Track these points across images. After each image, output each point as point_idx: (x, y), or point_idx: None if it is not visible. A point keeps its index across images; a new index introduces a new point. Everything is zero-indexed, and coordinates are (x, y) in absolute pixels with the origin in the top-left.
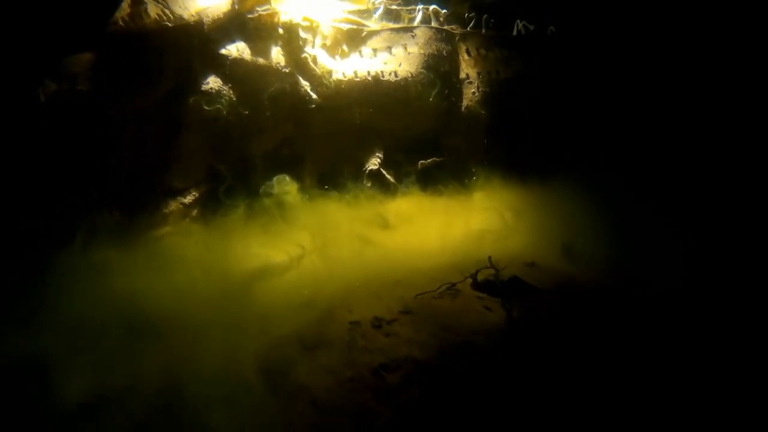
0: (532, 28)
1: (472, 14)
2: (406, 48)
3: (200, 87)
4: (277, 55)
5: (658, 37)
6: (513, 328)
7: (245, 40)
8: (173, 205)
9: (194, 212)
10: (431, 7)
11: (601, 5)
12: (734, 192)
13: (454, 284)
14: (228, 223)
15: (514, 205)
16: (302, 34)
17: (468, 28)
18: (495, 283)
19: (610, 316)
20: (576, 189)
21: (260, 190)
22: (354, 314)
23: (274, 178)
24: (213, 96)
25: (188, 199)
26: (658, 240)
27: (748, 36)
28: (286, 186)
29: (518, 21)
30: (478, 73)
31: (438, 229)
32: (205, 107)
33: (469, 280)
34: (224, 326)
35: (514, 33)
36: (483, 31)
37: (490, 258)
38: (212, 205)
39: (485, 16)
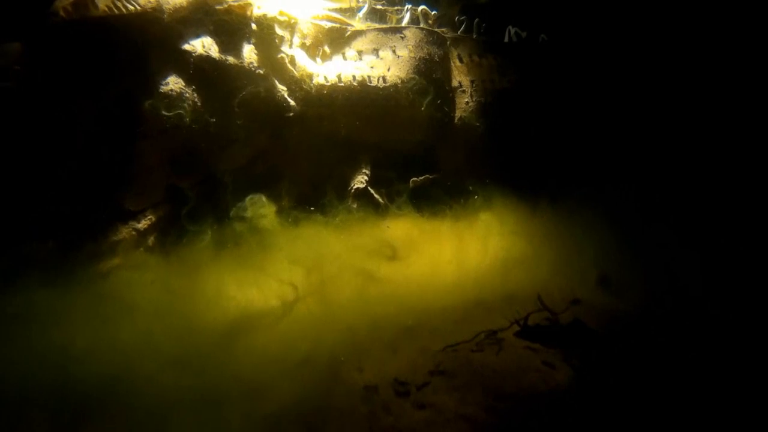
0: (524, 35)
1: (463, 17)
2: (395, 51)
3: (158, 88)
4: (249, 53)
5: (654, 49)
6: (591, 394)
7: (212, 35)
8: (124, 232)
9: (150, 240)
10: (420, 8)
11: (595, 13)
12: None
13: (494, 332)
14: (193, 254)
15: (527, 229)
16: (278, 30)
17: (459, 32)
18: (551, 329)
19: (701, 365)
20: (588, 209)
21: (231, 213)
22: (366, 374)
23: (247, 199)
24: (173, 99)
25: (143, 224)
26: (684, 259)
27: (752, 44)
28: (261, 208)
29: (510, 27)
30: (472, 81)
31: (449, 258)
32: (164, 113)
33: (514, 327)
34: (196, 401)
35: (506, 39)
36: (474, 36)
37: (540, 297)
38: (173, 231)
39: (477, 20)
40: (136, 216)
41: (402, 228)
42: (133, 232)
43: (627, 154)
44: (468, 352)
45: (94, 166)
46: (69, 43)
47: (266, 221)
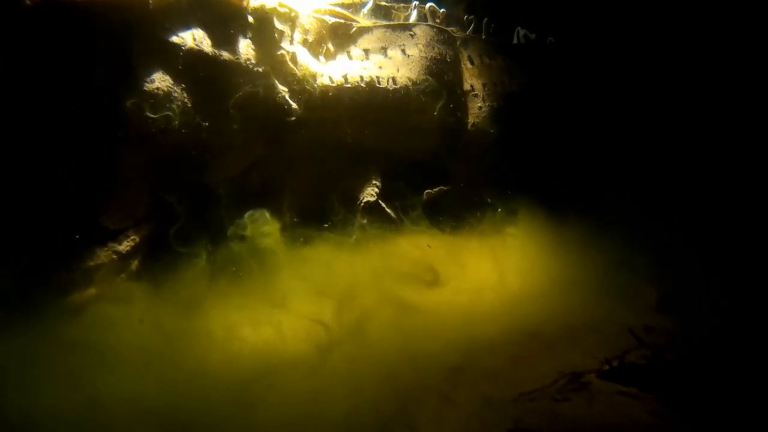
0: (533, 36)
1: (471, 17)
2: (404, 50)
3: (142, 86)
4: (246, 49)
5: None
6: None
7: (204, 27)
8: (102, 255)
9: (134, 265)
10: (428, 5)
11: (604, 14)
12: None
13: (579, 374)
14: (189, 283)
15: (564, 246)
16: (278, 24)
17: (468, 32)
18: (645, 368)
19: None
20: (619, 221)
21: (228, 232)
22: None
23: (246, 215)
24: (160, 99)
25: (125, 246)
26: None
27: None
28: (264, 225)
29: (518, 29)
30: (484, 85)
31: (487, 281)
32: (149, 114)
33: (579, 362)
34: None
35: (514, 41)
36: (483, 36)
37: (632, 331)
38: (160, 254)
39: (486, 19)
40: (116, 236)
41: (423, 246)
42: (113, 256)
43: (642, 159)
44: (550, 401)
45: (65, 178)
46: (36, 31)
47: (270, 241)
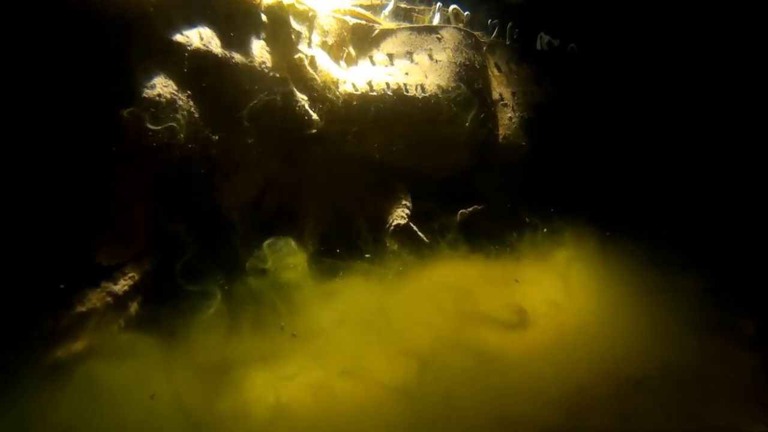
0: (557, 43)
1: (495, 21)
2: (431, 55)
3: (141, 92)
4: (260, 51)
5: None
6: None
7: (212, 25)
8: (94, 298)
9: (133, 309)
10: (451, 7)
11: (634, 22)
12: None
13: None
14: (201, 332)
15: (630, 273)
16: (295, 24)
17: (492, 37)
18: None
19: None
20: (687, 247)
21: (246, 265)
22: None
23: (265, 244)
24: (162, 108)
25: (121, 286)
26: None
27: None
28: (288, 256)
29: (541, 34)
30: (513, 94)
31: (566, 318)
32: (150, 126)
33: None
34: None
35: (537, 47)
36: (507, 41)
37: None
38: (165, 295)
39: (510, 24)
40: (110, 274)
41: (472, 275)
42: (108, 299)
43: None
44: None
45: (51, 203)
46: (19, 26)
47: (296, 275)
